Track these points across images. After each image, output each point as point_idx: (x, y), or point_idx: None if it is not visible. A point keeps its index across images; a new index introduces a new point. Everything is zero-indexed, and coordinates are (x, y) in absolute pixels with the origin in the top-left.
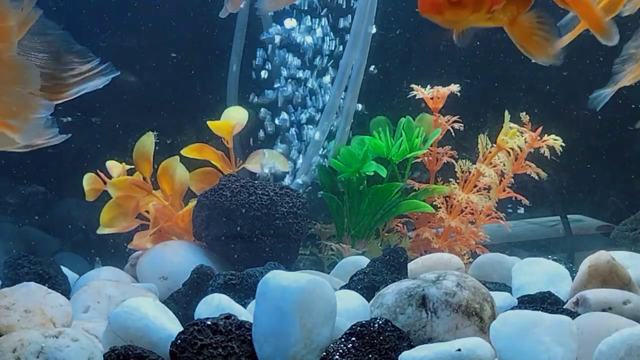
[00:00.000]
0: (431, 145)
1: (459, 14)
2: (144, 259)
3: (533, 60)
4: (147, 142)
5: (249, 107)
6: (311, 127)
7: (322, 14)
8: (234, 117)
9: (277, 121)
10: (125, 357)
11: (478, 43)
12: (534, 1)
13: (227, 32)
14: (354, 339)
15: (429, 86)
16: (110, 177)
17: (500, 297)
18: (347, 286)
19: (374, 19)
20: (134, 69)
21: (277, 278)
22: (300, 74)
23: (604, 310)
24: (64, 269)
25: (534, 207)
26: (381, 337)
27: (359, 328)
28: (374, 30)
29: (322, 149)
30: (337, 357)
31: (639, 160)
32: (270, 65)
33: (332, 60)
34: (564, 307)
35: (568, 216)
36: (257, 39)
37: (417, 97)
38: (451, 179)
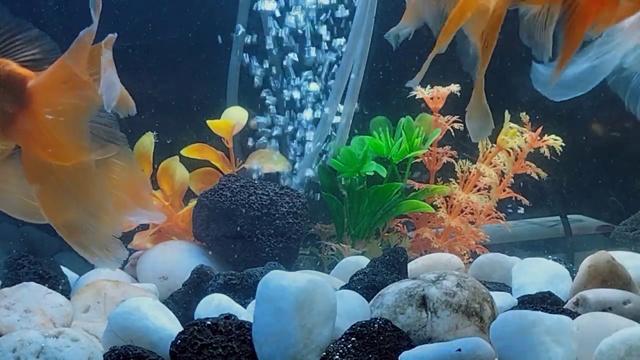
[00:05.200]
0: (431, 145)
1: None
2: (144, 259)
3: None
4: (147, 142)
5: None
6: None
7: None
8: (234, 117)
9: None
10: (125, 357)
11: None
12: None
13: (227, 32)
14: (354, 339)
15: (429, 86)
16: None
17: (500, 297)
18: (347, 286)
19: (374, 19)
20: (133, 69)
21: (277, 278)
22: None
23: (604, 310)
24: (64, 269)
25: (534, 207)
26: (381, 337)
27: (359, 328)
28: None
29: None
30: (337, 357)
31: (639, 160)
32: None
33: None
34: (564, 307)
35: (568, 216)
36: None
37: (417, 97)
38: (451, 179)
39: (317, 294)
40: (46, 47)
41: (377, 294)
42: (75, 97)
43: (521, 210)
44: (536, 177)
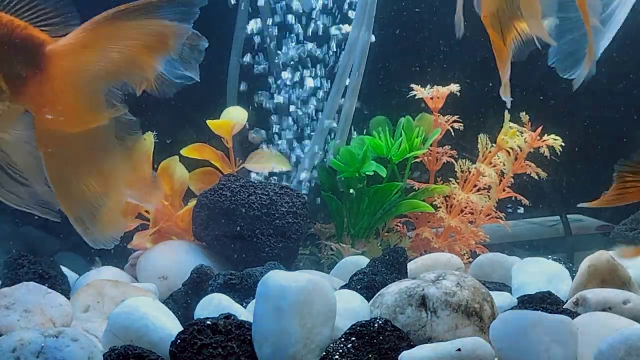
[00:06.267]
0: (431, 145)
1: None
2: (144, 259)
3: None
4: (147, 142)
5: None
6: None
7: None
8: (234, 117)
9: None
10: (125, 357)
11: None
12: None
13: (227, 32)
14: (354, 339)
15: (429, 86)
16: None
17: (500, 297)
18: (347, 286)
19: (374, 19)
20: None
21: (277, 278)
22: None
23: (604, 310)
24: (64, 269)
25: (534, 207)
26: (381, 337)
27: (359, 328)
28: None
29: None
30: (337, 357)
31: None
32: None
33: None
34: (564, 307)
35: (568, 216)
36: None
37: (417, 97)
38: (451, 179)
39: (317, 294)
40: (68, 16)
41: (377, 294)
42: (95, 65)
43: (521, 210)
44: (536, 177)
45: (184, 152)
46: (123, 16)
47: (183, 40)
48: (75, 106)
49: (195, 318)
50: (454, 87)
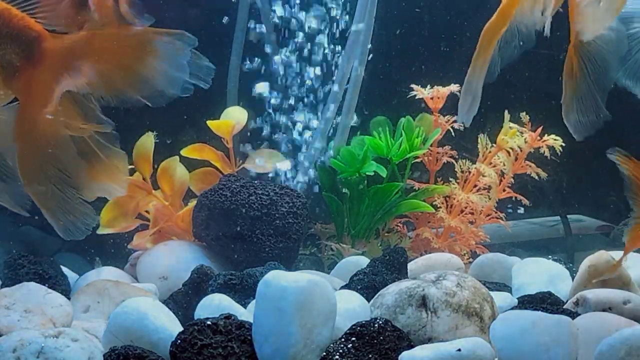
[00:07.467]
0: (431, 145)
1: None
2: (144, 259)
3: None
4: (147, 142)
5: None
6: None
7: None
8: (234, 117)
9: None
10: (125, 357)
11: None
12: None
13: (227, 32)
14: (354, 339)
15: (429, 86)
16: None
17: (500, 297)
18: (347, 286)
19: (374, 19)
20: None
21: (277, 278)
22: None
23: (604, 310)
24: (64, 269)
25: (534, 207)
26: (381, 337)
27: (359, 328)
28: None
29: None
30: (337, 357)
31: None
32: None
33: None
34: (564, 307)
35: (568, 216)
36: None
37: (417, 97)
38: (451, 179)
39: (317, 294)
40: (63, 12)
41: (377, 294)
42: (89, 70)
43: (521, 210)
44: (536, 177)
45: (184, 152)
46: (123, 35)
47: (178, 53)
48: (60, 105)
49: (195, 318)
50: (454, 87)
